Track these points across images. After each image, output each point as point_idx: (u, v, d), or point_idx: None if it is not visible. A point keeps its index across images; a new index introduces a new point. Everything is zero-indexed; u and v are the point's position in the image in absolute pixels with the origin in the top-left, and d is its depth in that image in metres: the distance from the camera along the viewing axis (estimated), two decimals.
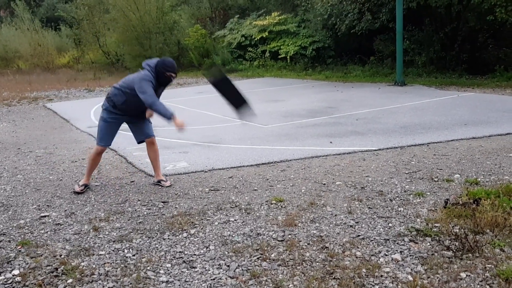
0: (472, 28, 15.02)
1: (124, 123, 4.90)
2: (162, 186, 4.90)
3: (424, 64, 15.59)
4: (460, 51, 15.00)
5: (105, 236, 3.65)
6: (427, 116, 8.39)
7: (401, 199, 4.26)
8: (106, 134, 4.81)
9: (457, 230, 3.42)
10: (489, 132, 6.86)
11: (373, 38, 17.41)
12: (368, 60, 17.66)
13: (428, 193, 4.39)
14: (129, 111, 4.74)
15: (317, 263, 3.09)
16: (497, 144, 6.22)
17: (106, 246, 3.46)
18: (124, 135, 7.76)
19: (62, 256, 3.31)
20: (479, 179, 4.73)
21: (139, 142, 5.02)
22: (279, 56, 19.43)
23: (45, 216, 4.14)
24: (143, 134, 4.93)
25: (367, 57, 17.82)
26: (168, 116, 4.45)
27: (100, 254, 3.33)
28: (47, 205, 4.45)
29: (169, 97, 12.50)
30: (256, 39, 20.15)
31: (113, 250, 3.38)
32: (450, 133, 6.92)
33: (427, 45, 15.55)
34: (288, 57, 19.02)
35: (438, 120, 7.96)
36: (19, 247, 3.49)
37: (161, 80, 4.63)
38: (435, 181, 4.77)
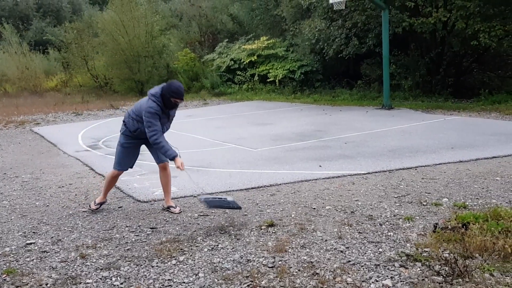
0: (457, 53, 15.33)
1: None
2: (172, 212, 4.83)
3: (411, 88, 15.81)
4: (445, 75, 15.27)
5: (93, 263, 3.59)
6: (415, 139, 8.47)
7: (390, 224, 4.26)
8: (123, 159, 4.85)
9: (447, 255, 3.42)
10: (476, 156, 6.94)
11: (360, 62, 17.68)
12: (356, 83, 17.88)
13: (417, 217, 4.40)
14: (144, 137, 4.72)
15: None
16: (484, 167, 6.28)
17: (93, 274, 3.40)
18: (112, 159, 7.71)
19: (48, 285, 3.24)
20: (467, 203, 4.76)
21: (159, 163, 5.00)
22: (268, 80, 19.60)
23: (31, 244, 4.06)
24: (157, 158, 4.94)
25: (354, 81, 18.05)
26: (169, 156, 4.53)
27: (88, 283, 3.26)
28: (33, 232, 4.38)
29: None
30: (245, 62, 20.34)
31: (100, 278, 3.32)
32: (438, 157, 6.99)
33: (413, 69, 15.81)
34: (276, 81, 19.20)
35: (425, 143, 8.04)
36: (4, 275, 3.41)
37: (168, 106, 4.62)
38: (424, 205, 4.79)
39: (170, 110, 4.70)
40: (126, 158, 4.87)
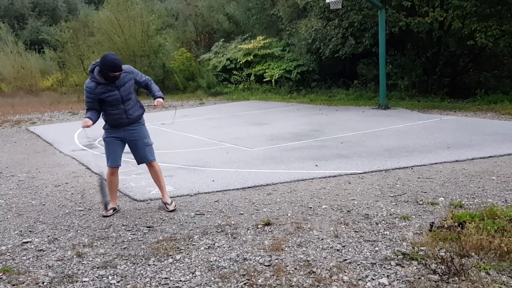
0: (453, 53, 15.38)
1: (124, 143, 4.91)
2: (166, 210, 4.87)
3: (407, 88, 15.85)
4: (441, 75, 15.31)
5: (89, 262, 3.59)
6: (411, 139, 8.49)
7: (387, 223, 4.27)
8: (110, 154, 4.81)
9: (443, 254, 3.44)
10: (472, 155, 6.96)
11: (357, 62, 17.71)
12: (352, 83, 17.91)
13: (414, 216, 4.41)
14: (115, 123, 4.71)
15: None
16: (480, 167, 6.30)
17: (90, 272, 3.40)
18: None
19: (45, 284, 3.24)
20: (463, 202, 4.77)
21: (138, 164, 5.02)
22: (264, 80, 19.61)
23: (27, 242, 4.05)
24: (142, 158, 4.92)
25: (351, 81, 18.07)
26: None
27: (84, 281, 3.26)
28: (30, 231, 4.37)
29: (154, 120, 12.47)
30: (241, 62, 20.34)
31: (97, 277, 3.32)
32: (434, 156, 7.01)
33: (409, 69, 15.85)
34: (273, 81, 19.20)
35: (421, 143, 8.06)
36: (0, 274, 3.40)
37: (109, 80, 4.49)
38: (420, 204, 4.80)
39: (112, 82, 4.53)
40: (112, 153, 4.81)
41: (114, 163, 4.82)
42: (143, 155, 4.89)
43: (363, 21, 15.08)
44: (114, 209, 4.85)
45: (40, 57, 30.19)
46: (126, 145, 4.93)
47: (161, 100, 4.89)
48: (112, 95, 4.56)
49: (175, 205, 4.95)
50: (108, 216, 4.73)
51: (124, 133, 4.78)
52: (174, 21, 28.69)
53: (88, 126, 4.55)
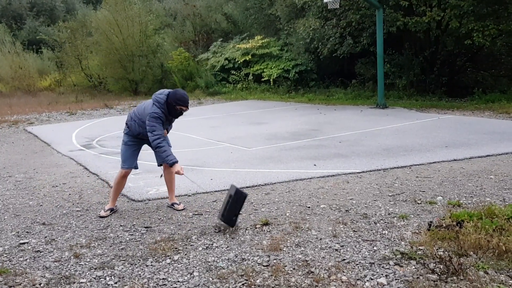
0: (451, 52, 15.39)
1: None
2: (175, 209, 4.86)
3: (405, 87, 15.87)
4: (439, 75, 15.32)
5: (86, 263, 3.57)
6: (409, 138, 8.49)
7: (385, 222, 4.27)
8: (129, 157, 4.82)
9: (442, 253, 3.43)
10: (469, 154, 6.96)
11: (355, 62, 17.72)
12: (350, 83, 17.92)
13: (412, 216, 4.41)
14: (147, 138, 4.68)
15: None
16: (477, 166, 6.31)
17: (87, 273, 3.38)
18: (106, 158, 7.71)
19: (42, 285, 3.22)
20: (461, 201, 4.77)
21: (159, 165, 5.01)
22: (262, 79, 19.60)
23: (24, 243, 4.03)
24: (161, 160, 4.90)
25: (349, 80, 18.08)
26: (169, 161, 4.48)
27: (81, 282, 3.24)
28: (27, 232, 4.35)
29: None
30: (239, 62, 20.33)
31: (94, 278, 3.30)
32: (432, 155, 7.01)
33: (407, 69, 15.86)
34: (271, 80, 19.20)
35: (419, 142, 8.06)
36: None
37: (173, 113, 4.62)
38: (418, 203, 4.80)
39: (174, 117, 4.71)
40: (131, 157, 4.83)
41: (130, 165, 4.83)
42: None
43: (361, 21, 15.09)
44: (112, 209, 4.84)
45: (38, 57, 30.13)
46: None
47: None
48: (165, 127, 4.71)
49: (184, 205, 4.96)
50: (105, 216, 4.72)
51: (147, 140, 4.77)
52: (172, 21, 28.67)
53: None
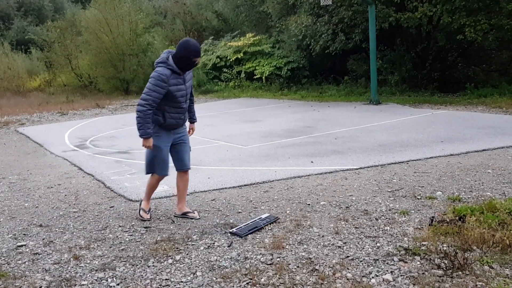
0: (442, 47, 15.44)
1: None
2: (192, 218, 4.47)
3: (397, 83, 15.89)
4: (431, 70, 15.36)
5: (87, 265, 3.51)
6: (404, 134, 8.49)
7: (386, 218, 4.25)
8: (163, 161, 4.37)
9: (446, 248, 3.41)
10: (465, 149, 6.97)
11: (347, 58, 17.71)
12: (343, 79, 17.91)
13: (413, 211, 4.39)
14: (174, 124, 4.28)
15: (309, 287, 3.02)
16: (474, 160, 6.31)
17: (88, 275, 3.32)
18: (101, 158, 7.62)
19: None
20: (461, 196, 4.77)
21: (178, 169, 4.56)
22: (255, 77, 19.54)
23: (22, 246, 3.96)
24: (185, 164, 4.52)
25: (341, 77, 18.08)
26: (140, 133, 4.09)
27: (83, 284, 3.18)
28: (24, 234, 4.27)
29: None
30: (231, 60, 20.24)
31: (96, 280, 3.24)
32: (428, 151, 7.01)
33: (399, 64, 15.89)
34: (263, 78, 19.14)
35: (415, 137, 8.07)
36: None
37: (188, 66, 4.12)
38: (418, 198, 4.79)
39: (188, 71, 4.21)
40: (165, 161, 4.39)
41: (166, 171, 4.43)
42: (186, 161, 4.51)
43: (353, 17, 15.07)
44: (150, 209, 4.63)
45: (27, 58, 29.74)
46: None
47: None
48: (181, 89, 4.17)
49: (199, 212, 4.64)
50: (150, 219, 4.49)
51: (173, 136, 4.37)
52: (162, 19, 28.48)
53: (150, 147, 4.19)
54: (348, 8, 14.89)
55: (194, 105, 4.66)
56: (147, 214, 4.53)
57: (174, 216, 4.59)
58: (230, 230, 4.09)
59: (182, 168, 4.53)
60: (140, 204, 4.65)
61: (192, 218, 4.49)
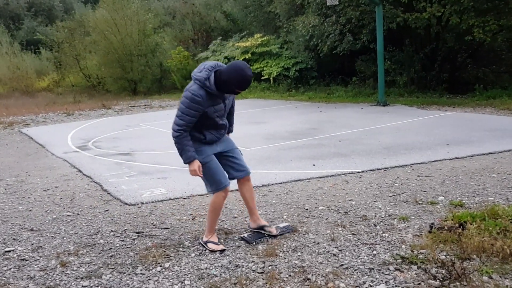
0: (451, 48, 15.21)
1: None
2: (270, 233, 3.95)
3: (405, 84, 15.69)
4: (440, 71, 15.15)
5: (73, 272, 3.42)
6: (410, 136, 8.33)
7: (385, 224, 4.12)
8: (220, 172, 3.82)
9: (444, 257, 3.28)
10: (471, 152, 6.80)
11: (355, 59, 17.54)
12: (351, 80, 17.74)
13: (413, 217, 4.26)
14: (215, 139, 3.82)
15: None
16: (480, 164, 6.15)
17: (73, 283, 3.23)
18: (101, 160, 7.56)
19: None
20: (464, 201, 4.62)
21: (242, 177, 4.03)
22: (262, 77, 19.44)
23: (9, 251, 3.88)
24: (245, 168, 4.03)
25: (349, 78, 17.91)
26: (184, 160, 3.65)
27: None
28: (13, 239, 4.20)
29: (150, 120, 12.31)
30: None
31: None
32: (433, 154, 6.85)
33: (407, 65, 15.68)
34: (271, 78, 19.03)
35: (420, 140, 7.91)
36: None
37: (225, 91, 3.57)
38: (419, 204, 4.65)
39: (222, 96, 3.66)
40: (221, 171, 3.82)
41: (227, 180, 3.85)
42: (244, 164, 4.05)
43: (361, 17, 14.91)
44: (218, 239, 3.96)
45: (36, 58, 29.99)
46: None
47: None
48: (219, 109, 3.68)
49: (277, 230, 4.04)
50: (224, 249, 3.77)
51: (217, 146, 3.87)
52: (171, 19, 28.50)
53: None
54: (355, 8, 14.73)
55: (233, 117, 4.19)
56: (219, 245, 3.80)
57: (249, 228, 4.12)
58: (241, 236, 3.95)
59: (242, 173, 4.01)
60: (204, 242, 3.85)
61: (271, 234, 3.96)
